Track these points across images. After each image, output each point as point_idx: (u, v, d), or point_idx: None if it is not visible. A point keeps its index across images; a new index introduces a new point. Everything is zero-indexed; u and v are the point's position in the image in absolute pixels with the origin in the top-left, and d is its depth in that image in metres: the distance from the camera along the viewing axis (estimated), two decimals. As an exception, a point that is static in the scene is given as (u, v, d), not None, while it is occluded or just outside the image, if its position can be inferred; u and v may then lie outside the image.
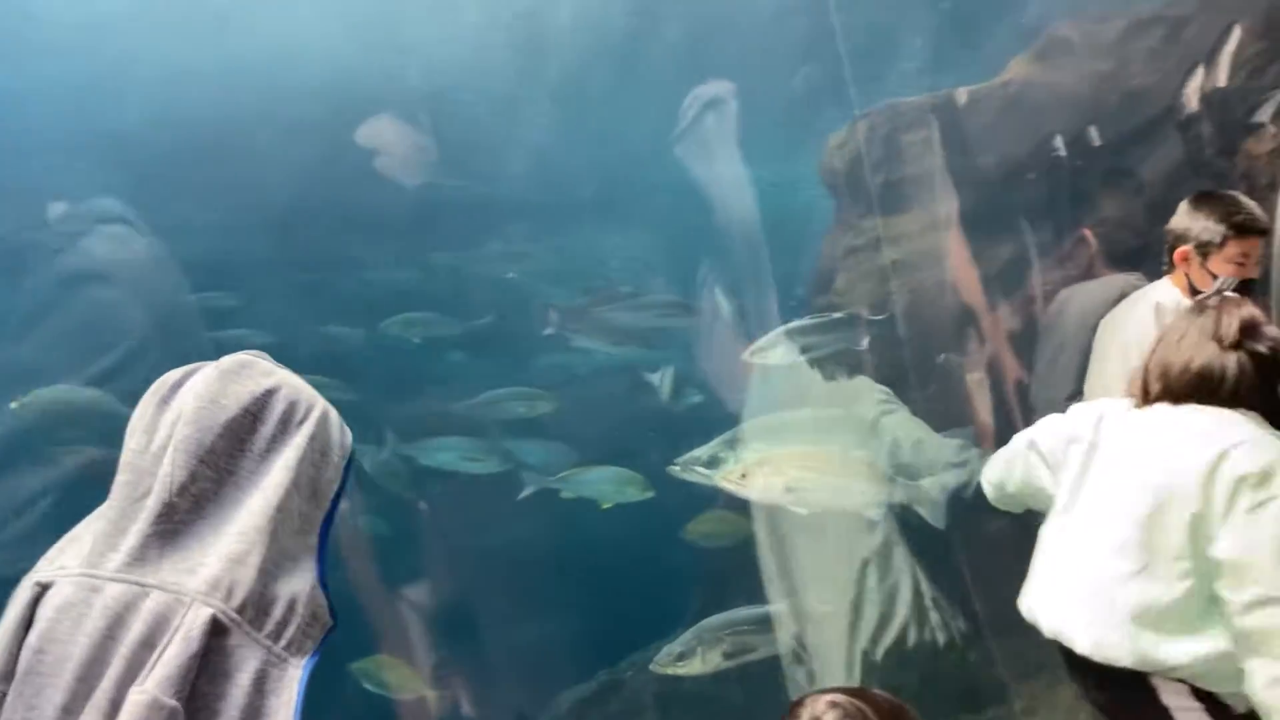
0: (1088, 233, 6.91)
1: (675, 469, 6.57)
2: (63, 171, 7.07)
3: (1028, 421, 4.76)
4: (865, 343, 6.98)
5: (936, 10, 7.38)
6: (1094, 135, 7.20)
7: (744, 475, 6.24)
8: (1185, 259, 4.65)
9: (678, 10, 7.45)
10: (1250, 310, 3.55)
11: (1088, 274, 6.61)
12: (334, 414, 2.13)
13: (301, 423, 2.04)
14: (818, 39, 7.01)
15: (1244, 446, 3.27)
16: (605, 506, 7.51)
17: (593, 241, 8.50)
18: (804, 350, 6.74)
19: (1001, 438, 6.04)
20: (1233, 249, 4.48)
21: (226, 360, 2.06)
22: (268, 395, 2.01)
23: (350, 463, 2.15)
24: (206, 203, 7.12)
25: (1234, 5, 7.31)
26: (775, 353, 6.72)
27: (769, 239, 7.55)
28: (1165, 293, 4.72)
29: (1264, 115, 7.04)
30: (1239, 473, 3.21)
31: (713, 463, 6.55)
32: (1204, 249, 4.56)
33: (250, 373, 2.03)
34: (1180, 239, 4.67)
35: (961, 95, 7.51)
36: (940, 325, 7.33)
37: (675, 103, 7.38)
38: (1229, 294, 3.83)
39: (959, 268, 7.24)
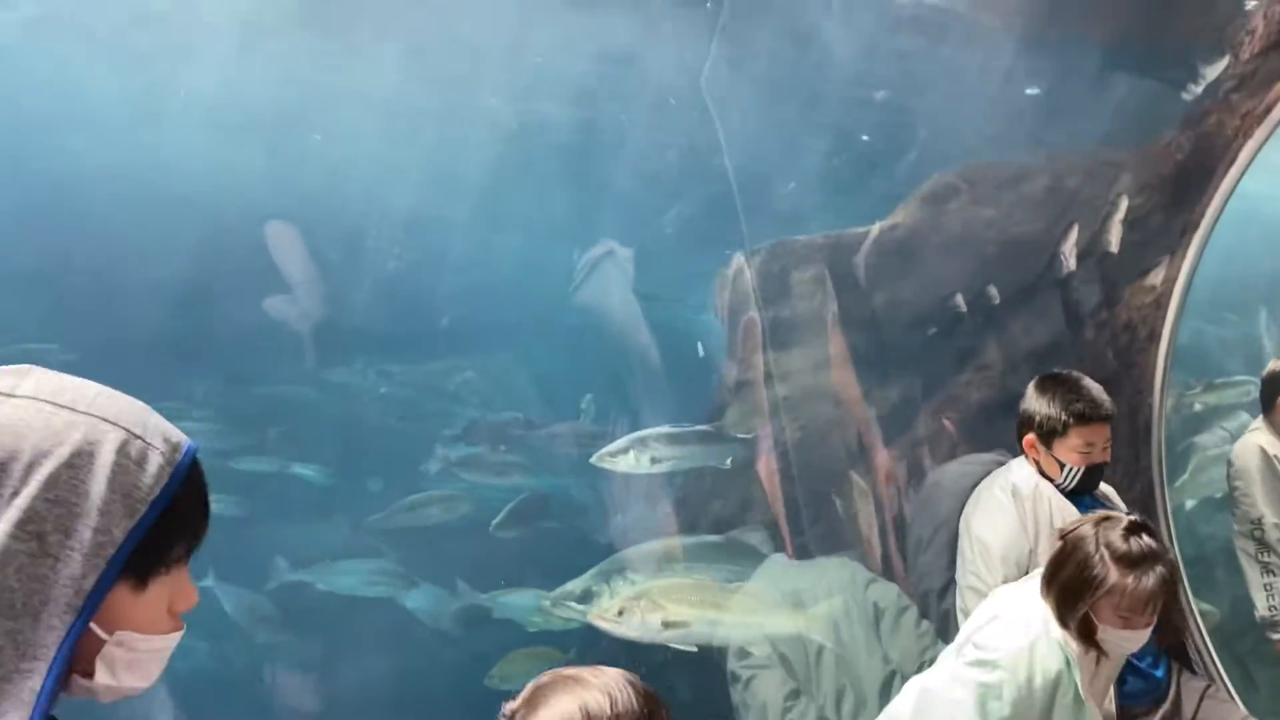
0: (947, 423, 6.99)
1: (546, 604, 6.34)
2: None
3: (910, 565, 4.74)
4: (729, 461, 6.92)
5: (827, 155, 7.50)
6: (994, 293, 7.29)
7: (620, 612, 5.99)
8: (1032, 446, 4.61)
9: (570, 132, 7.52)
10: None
11: (950, 456, 6.63)
12: (102, 452, 1.40)
13: (16, 493, 1.34)
14: (710, 178, 7.08)
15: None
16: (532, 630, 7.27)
17: (483, 368, 8.40)
18: (655, 460, 6.64)
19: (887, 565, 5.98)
20: (1075, 438, 4.43)
21: None
22: None
23: (170, 501, 1.48)
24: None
25: (1115, 159, 7.55)
26: (624, 459, 6.62)
27: (663, 369, 7.53)
28: (1021, 474, 4.64)
29: (1155, 278, 7.22)
30: None
31: (586, 597, 6.33)
32: (1048, 437, 4.52)
33: None
34: (1026, 424, 4.62)
35: (851, 236, 7.60)
36: (830, 461, 7.28)
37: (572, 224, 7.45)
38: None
39: (850, 404, 7.25)
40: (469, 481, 8.02)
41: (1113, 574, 3.50)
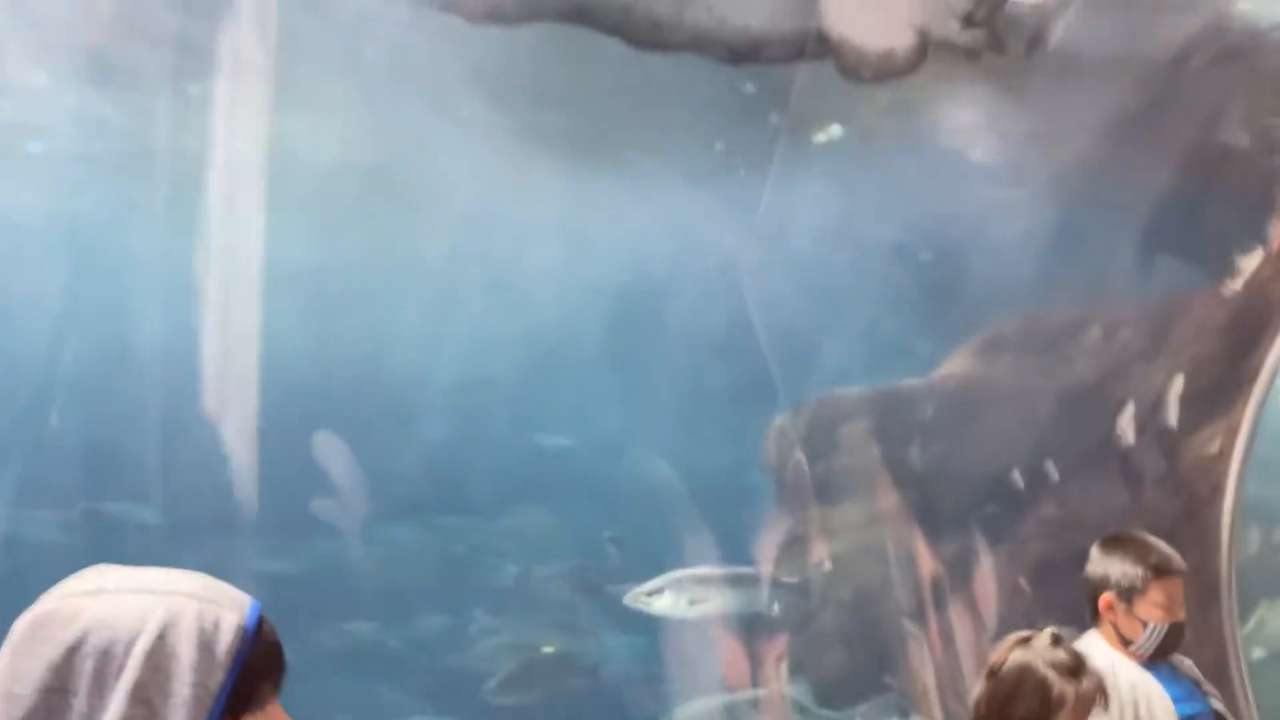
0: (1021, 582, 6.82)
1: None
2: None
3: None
4: (776, 608, 6.76)
5: (877, 308, 7.53)
6: (1052, 470, 7.17)
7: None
8: (1110, 607, 4.44)
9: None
10: None
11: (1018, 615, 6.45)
12: (184, 623, 1.65)
13: (122, 669, 1.60)
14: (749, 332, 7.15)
15: None
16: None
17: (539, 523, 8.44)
18: (693, 602, 6.51)
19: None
20: (1157, 593, 4.26)
21: (19, 626, 1.65)
22: (71, 655, 1.60)
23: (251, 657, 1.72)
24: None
25: (1168, 308, 7.49)
26: (659, 600, 6.49)
27: (711, 524, 7.44)
28: (1094, 651, 4.44)
29: (1215, 430, 7.06)
30: None
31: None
32: (1127, 594, 4.35)
33: (47, 632, 1.63)
34: (1100, 585, 4.46)
35: (902, 389, 7.55)
36: (885, 624, 7.07)
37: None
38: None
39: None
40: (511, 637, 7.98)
41: (1069, 688, 3.39)
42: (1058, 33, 5.41)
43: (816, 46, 4.48)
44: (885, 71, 4.63)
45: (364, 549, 7.63)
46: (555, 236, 6.93)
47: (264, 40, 6.21)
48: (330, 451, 7.45)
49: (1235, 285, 7.03)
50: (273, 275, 6.33)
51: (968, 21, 4.36)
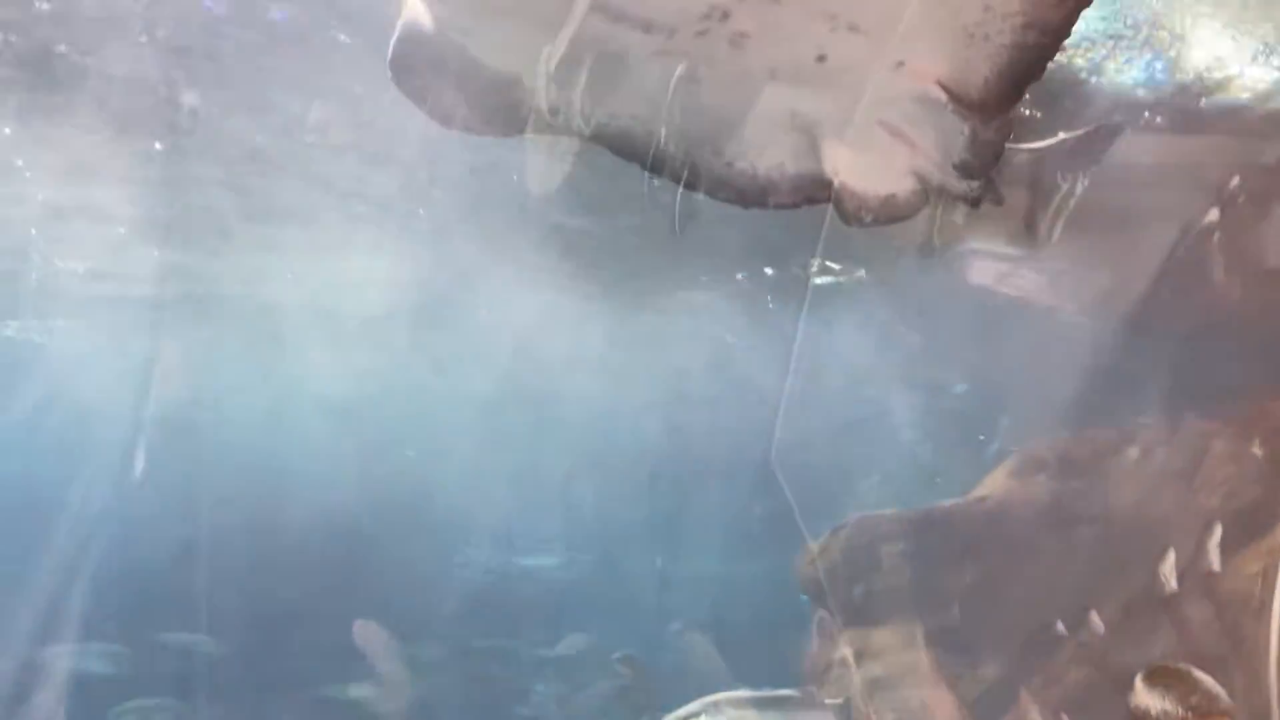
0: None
1: None
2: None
3: None
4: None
5: (911, 434, 7.66)
6: (1097, 622, 7.15)
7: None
8: None
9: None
10: None
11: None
12: None
13: None
14: (797, 464, 7.28)
15: None
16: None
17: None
18: None
19: None
20: None
21: None
22: None
23: None
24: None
25: (1205, 428, 7.50)
26: None
27: (751, 647, 7.50)
28: None
29: (1260, 546, 7.02)
30: None
31: None
32: None
33: None
34: None
35: (939, 510, 7.62)
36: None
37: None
38: None
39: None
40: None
41: None
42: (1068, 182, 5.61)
43: (819, 191, 4.67)
44: (886, 216, 4.81)
45: (407, 676, 7.75)
46: (597, 372, 7.18)
47: (321, 187, 6.59)
48: (369, 636, 7.59)
49: (1270, 409, 7.05)
50: (325, 410, 6.62)
51: (964, 172, 4.55)
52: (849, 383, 7.01)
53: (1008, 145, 4.82)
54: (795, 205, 4.90)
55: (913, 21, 4.00)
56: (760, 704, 6.80)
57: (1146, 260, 7.19)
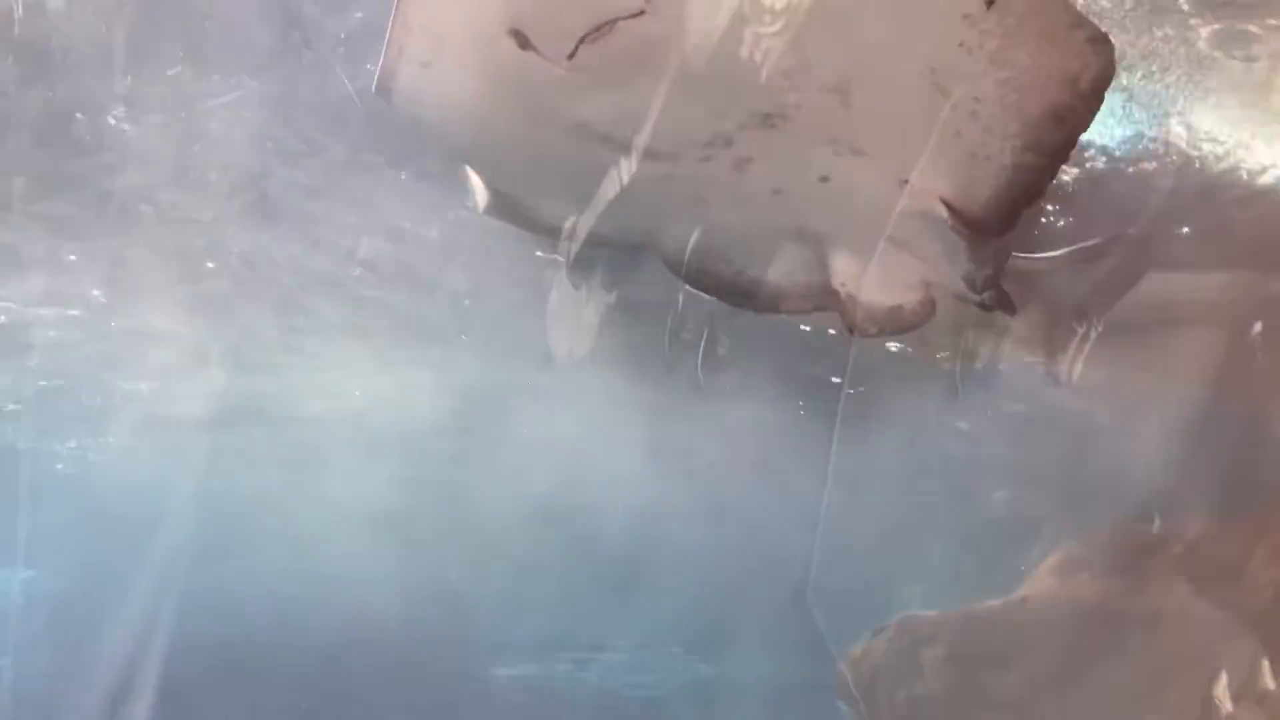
0: None
1: None
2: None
3: None
4: None
5: (952, 538, 7.67)
6: None
7: None
8: None
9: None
10: None
11: None
12: None
13: None
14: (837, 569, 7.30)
15: None
16: None
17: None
18: None
19: None
20: None
21: None
22: None
23: None
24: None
25: (1241, 524, 7.44)
26: None
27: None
28: None
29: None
30: None
31: None
32: None
33: None
34: None
35: (981, 611, 7.57)
36: None
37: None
38: None
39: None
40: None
41: None
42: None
43: (830, 298, 4.77)
44: (893, 327, 4.89)
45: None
46: (634, 485, 7.30)
47: (369, 309, 6.90)
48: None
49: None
50: (361, 524, 6.82)
51: (969, 285, 4.65)
52: (888, 490, 7.07)
53: (1016, 254, 4.94)
54: (808, 311, 5.03)
55: (915, 143, 4.14)
56: None
57: (1187, 363, 7.23)
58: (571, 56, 3.48)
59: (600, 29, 3.43)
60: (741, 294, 4.98)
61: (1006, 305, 4.92)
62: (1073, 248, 5.75)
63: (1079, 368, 6.10)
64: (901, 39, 3.76)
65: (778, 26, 3.59)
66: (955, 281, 4.63)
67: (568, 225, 4.49)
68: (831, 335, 6.43)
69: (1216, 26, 4.61)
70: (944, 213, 4.25)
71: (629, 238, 4.68)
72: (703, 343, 5.93)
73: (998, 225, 4.28)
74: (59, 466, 8.88)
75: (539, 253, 5.82)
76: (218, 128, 5.23)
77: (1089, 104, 3.98)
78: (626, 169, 4.10)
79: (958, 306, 4.85)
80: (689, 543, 7.78)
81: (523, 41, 3.47)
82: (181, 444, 7.55)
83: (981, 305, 4.76)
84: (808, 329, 6.48)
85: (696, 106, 3.87)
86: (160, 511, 7.51)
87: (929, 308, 4.74)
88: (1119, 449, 7.39)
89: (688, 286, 4.92)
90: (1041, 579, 7.66)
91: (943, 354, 6.49)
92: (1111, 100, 4.64)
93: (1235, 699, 6.54)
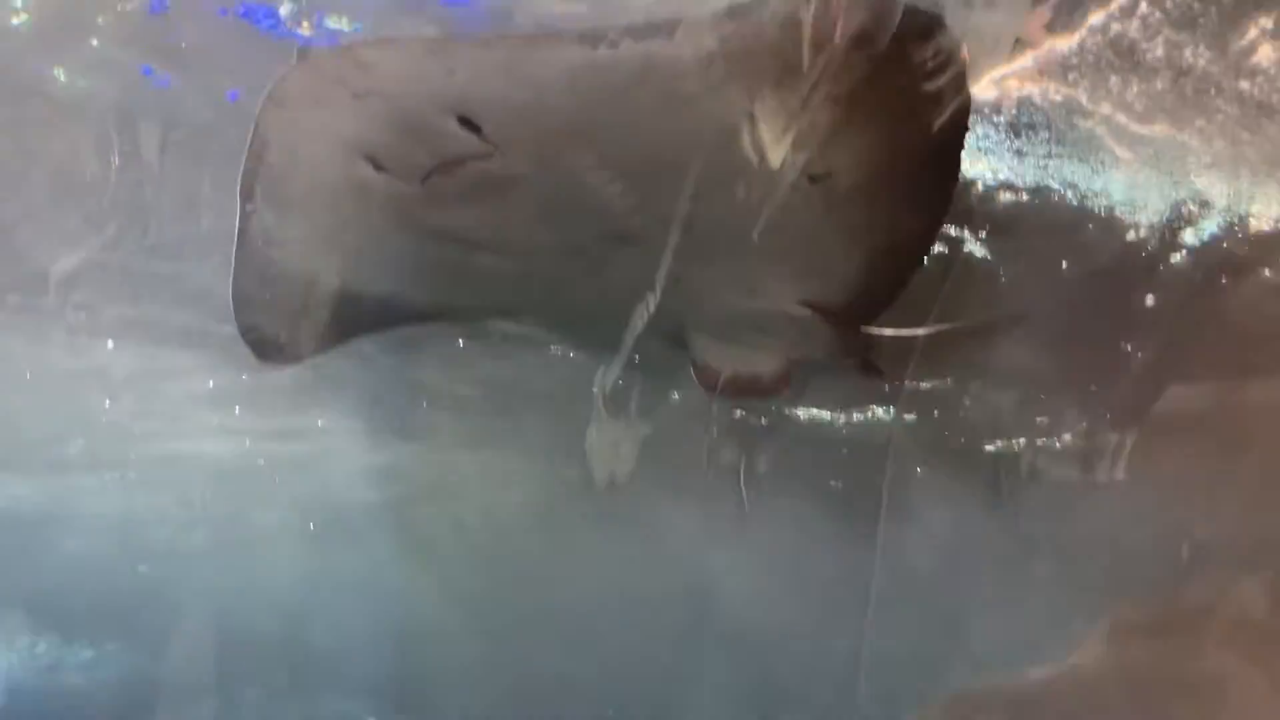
0: None
1: None
2: None
3: None
4: None
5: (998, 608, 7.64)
6: None
7: None
8: None
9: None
10: None
11: None
12: None
13: None
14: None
15: None
16: None
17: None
18: None
19: None
20: None
21: None
22: None
23: None
24: None
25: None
26: None
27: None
28: None
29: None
30: None
31: None
32: None
33: None
34: None
35: (1034, 682, 7.55)
36: None
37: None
38: None
39: None
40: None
41: None
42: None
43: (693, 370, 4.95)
44: (751, 393, 5.08)
45: None
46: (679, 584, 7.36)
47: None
48: None
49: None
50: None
51: (837, 359, 4.78)
52: (933, 570, 7.08)
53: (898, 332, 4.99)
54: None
55: (763, 258, 4.25)
56: None
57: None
58: (425, 181, 3.69)
59: (449, 165, 3.63)
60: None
61: (873, 372, 5.09)
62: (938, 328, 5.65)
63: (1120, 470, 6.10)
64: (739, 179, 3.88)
65: (616, 173, 3.76)
66: (819, 356, 4.79)
67: (599, 375, 4.69)
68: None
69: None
70: (806, 313, 4.39)
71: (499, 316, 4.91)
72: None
73: (865, 315, 4.41)
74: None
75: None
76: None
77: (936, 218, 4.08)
78: (481, 262, 4.31)
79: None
80: (748, 632, 7.88)
81: (377, 166, 3.67)
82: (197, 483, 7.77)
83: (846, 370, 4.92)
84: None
85: (548, 224, 4.05)
86: (175, 552, 7.84)
87: (786, 379, 4.95)
88: (1165, 511, 7.36)
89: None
90: (1093, 646, 7.62)
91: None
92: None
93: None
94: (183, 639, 8.96)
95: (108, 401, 7.94)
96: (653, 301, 4.38)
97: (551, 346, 6.38)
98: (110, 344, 7.19)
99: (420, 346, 6.62)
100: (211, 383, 7.21)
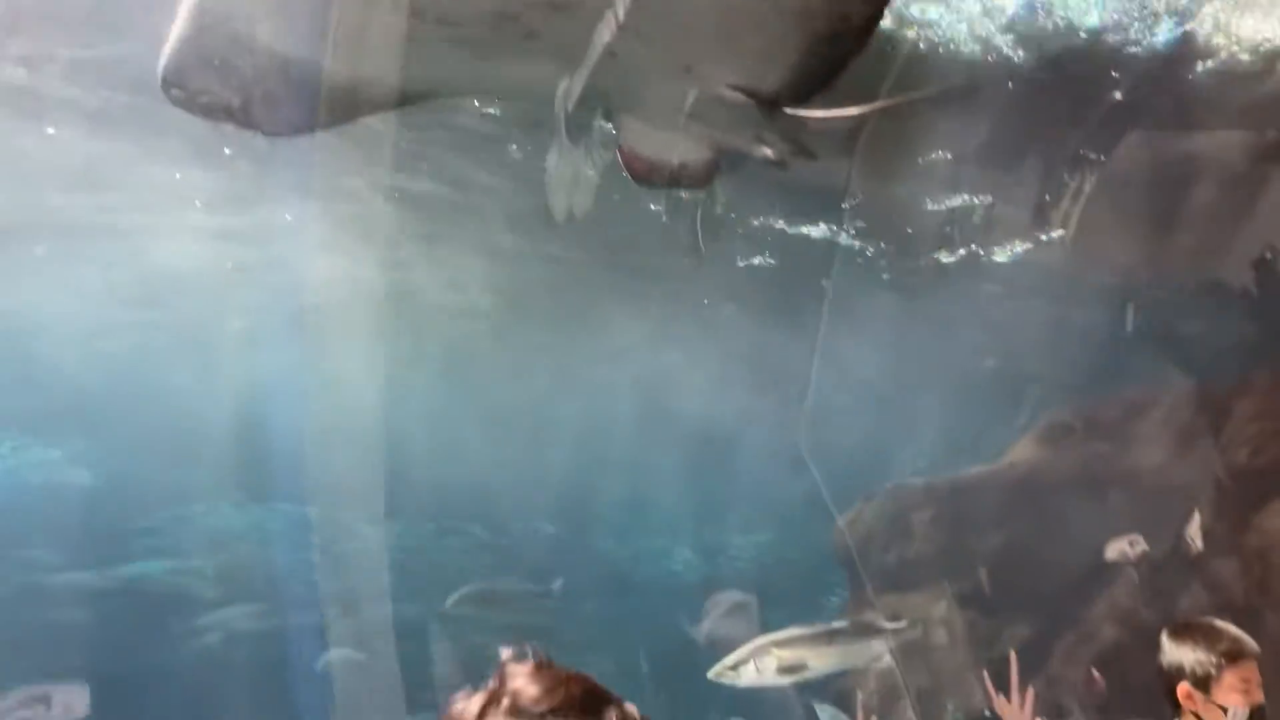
0: (1097, 676, 6.88)
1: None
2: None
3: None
4: (886, 658, 6.83)
5: (943, 408, 7.86)
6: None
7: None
8: (1188, 696, 4.50)
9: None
10: None
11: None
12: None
13: None
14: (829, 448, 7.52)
15: None
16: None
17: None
18: (783, 669, 6.41)
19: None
20: (1231, 677, 4.33)
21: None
22: None
23: None
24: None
25: (1225, 386, 7.64)
26: (745, 671, 6.42)
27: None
28: None
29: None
30: None
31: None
32: (1203, 683, 4.41)
33: None
34: (1175, 675, 4.52)
35: (968, 478, 7.84)
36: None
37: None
38: None
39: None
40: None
41: None
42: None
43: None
44: (679, 182, 5.05)
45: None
46: (637, 368, 7.51)
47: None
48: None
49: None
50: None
51: (765, 142, 4.73)
52: (879, 365, 7.27)
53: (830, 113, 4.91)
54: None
55: (701, 37, 4.20)
56: (810, 640, 6.64)
57: (1166, 228, 7.35)
58: None
59: None
60: None
61: (806, 154, 4.97)
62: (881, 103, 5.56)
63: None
64: None
65: None
66: (748, 143, 4.74)
67: (560, 90, 4.55)
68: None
69: None
70: (739, 97, 4.33)
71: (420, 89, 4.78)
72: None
73: (798, 97, 4.35)
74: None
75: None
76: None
77: None
78: (427, 32, 4.17)
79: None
80: (692, 419, 8.07)
81: None
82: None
83: (776, 160, 4.84)
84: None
85: None
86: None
87: (713, 167, 4.90)
88: (1103, 315, 7.58)
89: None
90: (1028, 446, 7.92)
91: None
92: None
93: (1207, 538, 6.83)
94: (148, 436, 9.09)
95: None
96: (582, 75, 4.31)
97: (511, 145, 6.36)
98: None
99: (379, 141, 6.61)
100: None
